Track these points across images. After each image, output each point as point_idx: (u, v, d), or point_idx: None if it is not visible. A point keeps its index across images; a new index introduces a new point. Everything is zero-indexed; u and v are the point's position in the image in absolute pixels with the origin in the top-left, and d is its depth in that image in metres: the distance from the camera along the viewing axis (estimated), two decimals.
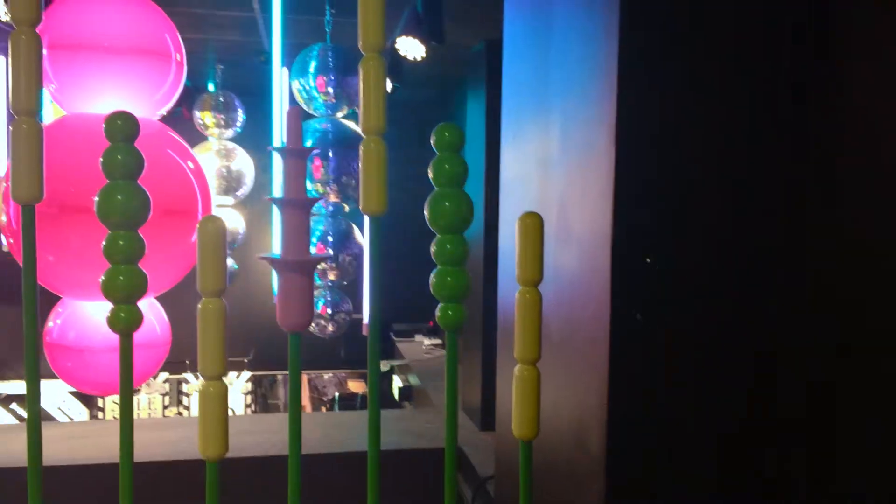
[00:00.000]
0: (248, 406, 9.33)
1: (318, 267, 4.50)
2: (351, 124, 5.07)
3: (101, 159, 1.51)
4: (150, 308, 3.13)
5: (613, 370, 1.41)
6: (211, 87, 7.96)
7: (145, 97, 3.02)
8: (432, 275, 1.39)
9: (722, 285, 1.50)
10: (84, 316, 3.02)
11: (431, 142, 1.39)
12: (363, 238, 5.17)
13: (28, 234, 1.46)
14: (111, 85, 2.91)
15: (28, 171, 1.41)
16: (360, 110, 1.51)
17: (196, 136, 7.48)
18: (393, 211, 1.53)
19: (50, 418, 8.03)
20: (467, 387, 3.90)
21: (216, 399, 1.37)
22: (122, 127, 1.48)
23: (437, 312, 1.39)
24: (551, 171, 1.65)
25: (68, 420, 8.05)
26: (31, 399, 1.46)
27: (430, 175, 1.34)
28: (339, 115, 5.10)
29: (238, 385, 9.28)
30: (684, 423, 1.50)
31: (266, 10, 5.07)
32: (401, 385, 7.08)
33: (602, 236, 1.42)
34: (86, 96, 2.92)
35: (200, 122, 7.40)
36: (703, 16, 1.47)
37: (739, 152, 1.49)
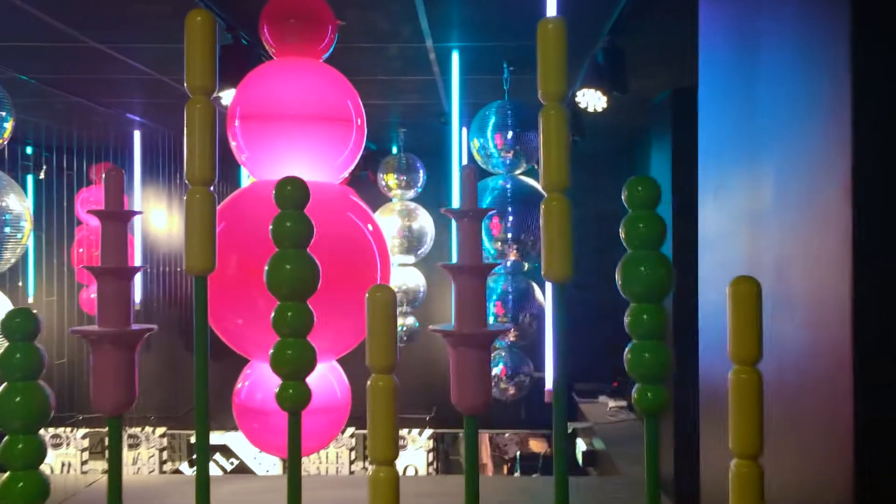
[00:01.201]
0: (429, 464, 9.32)
1: None
2: (530, 181, 4.99)
3: (271, 227, 1.48)
4: (331, 371, 3.15)
5: (861, 467, 1.15)
6: (394, 149, 8.24)
7: (328, 161, 3.08)
8: (627, 350, 1.21)
9: None
10: (271, 379, 3.08)
11: (623, 198, 1.23)
12: (543, 297, 5.02)
13: (200, 304, 1.44)
14: (297, 151, 3.00)
15: (201, 241, 1.40)
16: (542, 165, 1.39)
17: (381, 198, 7.73)
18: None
19: (247, 469, 8.42)
20: None
21: (387, 486, 1.27)
22: (292, 193, 1.44)
23: (634, 394, 1.20)
24: (764, 225, 1.43)
25: (265, 472, 8.40)
26: (201, 467, 1.43)
27: (623, 235, 1.18)
28: (518, 172, 5.04)
29: (420, 442, 9.31)
30: None
31: (445, 72, 5.15)
32: (584, 449, 6.78)
33: (837, 300, 1.18)
34: (273, 163, 3.03)
35: (384, 183, 7.64)
36: None
37: None
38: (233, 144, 3.05)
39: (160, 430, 9.83)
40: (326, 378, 3.12)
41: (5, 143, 4.21)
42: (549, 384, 4.31)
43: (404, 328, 7.57)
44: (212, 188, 1.39)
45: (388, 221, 7.48)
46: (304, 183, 1.44)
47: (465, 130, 5.67)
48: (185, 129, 1.35)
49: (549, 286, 1.36)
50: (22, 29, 4.50)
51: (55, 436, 9.45)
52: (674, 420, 3.33)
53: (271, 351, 1.42)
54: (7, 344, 1.36)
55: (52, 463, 9.21)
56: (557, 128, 1.32)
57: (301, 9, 3.08)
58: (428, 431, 9.35)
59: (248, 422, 3.07)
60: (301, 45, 3.08)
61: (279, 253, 1.42)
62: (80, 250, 8.25)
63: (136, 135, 8.04)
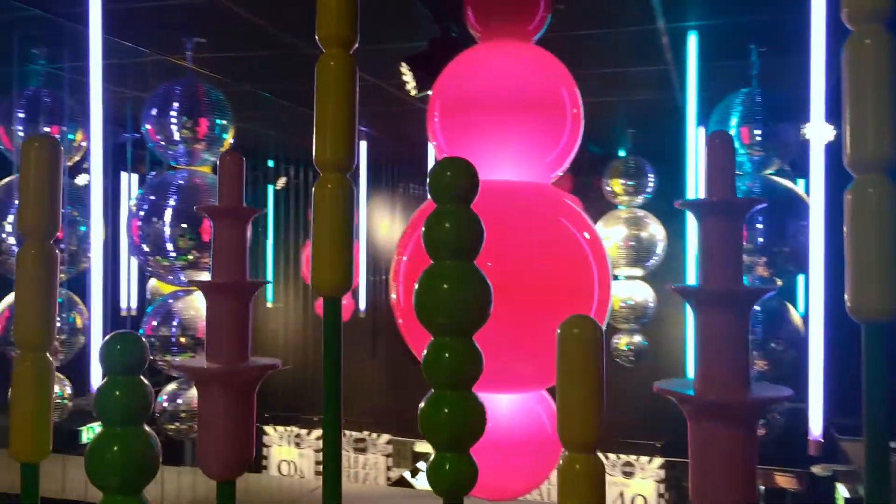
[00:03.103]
0: (660, 495, 8.58)
1: None
2: (784, 182, 4.22)
3: (424, 228, 1.07)
4: (538, 402, 2.70)
5: None
6: (621, 152, 7.64)
7: (538, 158, 2.65)
8: None
9: None
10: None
11: None
12: (799, 318, 4.22)
13: (331, 330, 1.07)
14: (502, 146, 2.60)
15: (332, 255, 1.02)
16: (850, 150, 0.86)
17: (606, 206, 7.18)
18: None
19: None
20: None
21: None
22: (453, 181, 1.01)
23: None
24: None
25: None
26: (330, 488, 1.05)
27: None
28: (768, 171, 4.29)
29: (649, 471, 8.60)
30: None
31: (680, 59, 4.53)
32: (847, 496, 5.81)
33: None
34: (476, 161, 2.65)
35: (609, 189, 7.08)
36: None
37: None
38: (433, 145, 2.72)
39: (385, 437, 9.97)
40: (534, 411, 2.68)
41: (228, 144, 4.25)
42: (813, 426, 3.54)
43: (630, 347, 6.94)
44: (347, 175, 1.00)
45: (614, 231, 6.92)
46: (471, 167, 1.02)
47: (702, 130, 5.00)
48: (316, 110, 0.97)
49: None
50: (248, 41, 4.55)
51: (297, 435, 9.89)
52: None
53: (422, 406, 1.01)
54: (107, 377, 1.07)
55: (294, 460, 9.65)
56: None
57: None
58: (659, 460, 8.62)
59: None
60: (508, 26, 2.69)
61: (434, 267, 1.01)
62: None
63: (363, 145, 8.14)
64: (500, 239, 2.57)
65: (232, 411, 1.01)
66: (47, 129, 4.20)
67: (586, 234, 2.64)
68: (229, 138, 4.15)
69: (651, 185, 7.04)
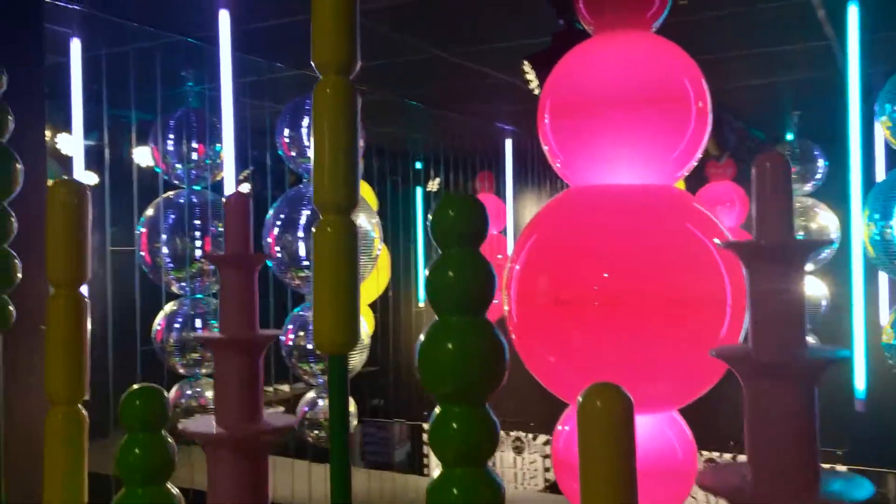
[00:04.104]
0: None
1: None
2: None
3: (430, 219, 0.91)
4: (670, 424, 2.47)
5: None
6: (788, 136, 7.03)
7: (660, 158, 2.42)
8: None
9: None
10: None
11: None
12: None
13: (337, 388, 0.96)
14: (619, 146, 2.40)
15: (334, 311, 0.89)
16: None
17: None
18: None
19: None
20: None
21: None
22: (456, 221, 0.83)
23: None
24: None
25: None
26: None
27: None
28: None
29: None
30: None
31: (841, 34, 4.06)
32: None
33: None
34: (593, 165, 2.47)
35: None
36: None
37: None
38: (545, 149, 2.57)
39: (543, 438, 9.79)
40: (663, 435, 2.46)
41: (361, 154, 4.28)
42: None
43: None
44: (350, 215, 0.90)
45: None
46: (479, 206, 0.88)
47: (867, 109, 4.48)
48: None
49: None
50: (379, 50, 4.57)
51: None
52: None
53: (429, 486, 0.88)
54: (127, 435, 1.03)
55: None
56: None
57: None
58: (842, 468, 7.90)
59: (567, 479, 2.55)
60: (623, 15, 2.48)
61: (439, 324, 0.87)
62: None
63: (508, 143, 8.04)
64: (619, 248, 2.37)
65: (244, 478, 0.94)
66: (195, 146, 4.42)
67: (717, 240, 2.39)
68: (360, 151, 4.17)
69: (820, 170, 6.42)
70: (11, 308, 1.38)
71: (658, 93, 2.38)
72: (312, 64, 0.88)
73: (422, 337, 0.85)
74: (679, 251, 2.36)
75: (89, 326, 1.06)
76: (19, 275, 1.39)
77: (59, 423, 1.05)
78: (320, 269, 0.85)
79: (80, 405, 1.07)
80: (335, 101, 0.85)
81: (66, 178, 1.07)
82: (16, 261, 1.42)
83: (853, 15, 3.69)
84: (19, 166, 1.40)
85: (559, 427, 2.66)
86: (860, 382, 4.54)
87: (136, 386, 0.98)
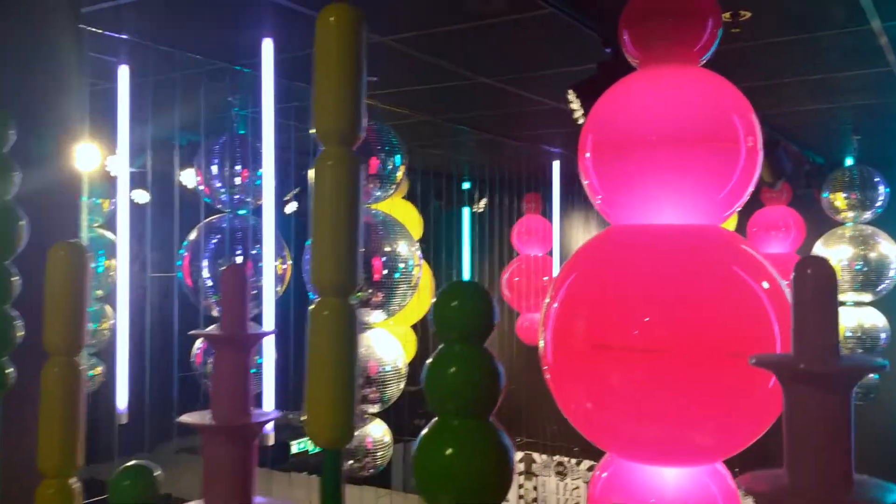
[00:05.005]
0: None
1: None
2: None
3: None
4: (712, 476, 2.35)
5: None
6: (847, 161, 6.79)
7: (707, 198, 2.32)
8: None
9: None
10: (632, 477, 2.41)
11: None
12: None
13: (331, 483, 0.87)
14: (665, 186, 2.30)
15: (325, 409, 0.82)
16: None
17: (828, 223, 6.40)
18: None
19: None
20: None
21: None
22: (456, 313, 0.77)
23: None
24: None
25: None
26: None
27: None
28: None
29: None
30: None
31: None
32: None
33: None
34: (635, 204, 2.37)
35: (830, 205, 6.30)
36: None
37: None
38: (585, 184, 2.48)
39: (586, 464, 9.59)
40: (706, 489, 2.34)
41: (400, 181, 4.25)
42: None
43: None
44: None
45: (838, 251, 6.15)
46: (484, 295, 0.80)
47: None
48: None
49: None
50: (427, 74, 4.54)
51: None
52: None
53: None
54: None
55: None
56: None
57: (667, 2, 2.38)
58: None
59: None
60: (670, 48, 2.38)
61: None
62: (516, 279, 8.42)
63: (555, 165, 7.94)
64: (662, 292, 2.26)
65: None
66: (238, 170, 4.44)
67: (765, 284, 2.27)
68: (400, 175, 4.15)
69: (882, 197, 6.18)
70: (11, 370, 1.36)
71: (706, 131, 2.28)
72: (313, 133, 0.82)
73: (424, 434, 0.78)
74: (726, 297, 2.24)
75: (84, 395, 1.02)
76: (20, 334, 1.37)
77: (50, 497, 1.01)
78: (315, 356, 0.79)
79: (72, 478, 1.02)
80: (336, 174, 0.79)
81: (65, 241, 1.04)
82: (16, 322, 1.41)
83: None
84: (23, 223, 1.39)
85: (597, 472, 2.55)
86: None
87: (125, 466, 0.93)
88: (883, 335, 6.14)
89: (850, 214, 6.23)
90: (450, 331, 0.74)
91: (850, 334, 6.20)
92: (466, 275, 9.31)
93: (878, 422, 6.95)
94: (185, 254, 4.31)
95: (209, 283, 4.25)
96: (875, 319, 6.17)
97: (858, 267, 6.00)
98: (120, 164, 4.10)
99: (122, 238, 4.09)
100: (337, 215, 0.78)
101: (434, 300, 0.77)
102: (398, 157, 4.14)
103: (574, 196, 8.16)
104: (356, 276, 0.81)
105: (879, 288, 6.02)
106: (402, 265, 4.00)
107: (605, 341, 2.28)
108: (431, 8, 3.44)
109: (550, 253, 8.18)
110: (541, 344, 2.46)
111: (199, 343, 4.32)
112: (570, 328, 2.36)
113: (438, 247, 7.96)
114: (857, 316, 6.18)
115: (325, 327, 0.79)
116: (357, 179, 0.82)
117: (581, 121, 3.45)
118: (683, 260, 2.29)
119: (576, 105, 3.41)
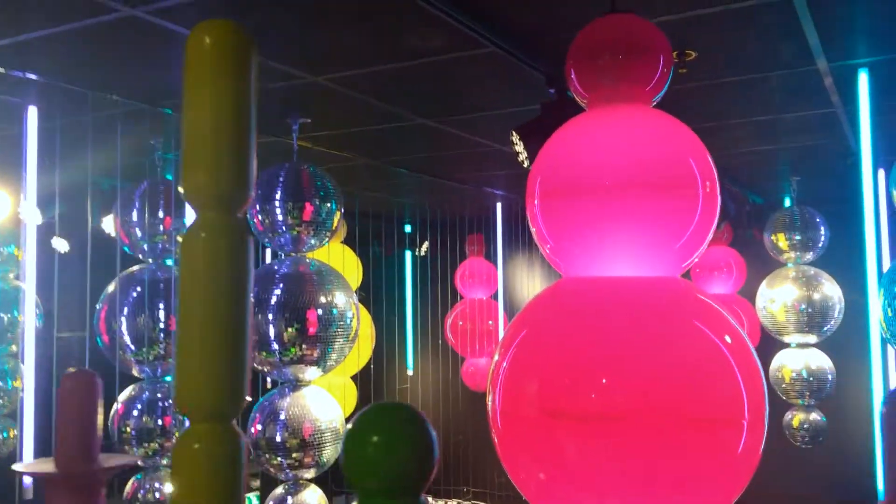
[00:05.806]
0: None
1: None
2: None
3: None
4: None
5: None
6: (786, 202, 6.82)
7: (664, 247, 2.14)
8: None
9: None
10: None
11: None
12: None
13: None
14: (619, 236, 2.12)
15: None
16: None
17: (771, 263, 6.38)
18: None
19: None
20: None
21: None
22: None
23: None
24: None
25: None
26: None
27: None
28: None
29: None
30: None
31: (849, 100, 3.84)
32: None
33: None
34: (586, 254, 2.19)
35: (773, 245, 6.28)
36: None
37: None
38: (533, 231, 2.29)
39: None
40: None
41: (337, 227, 4.02)
42: None
43: (806, 426, 6.04)
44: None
45: (782, 291, 6.11)
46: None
47: (881, 172, 4.28)
48: None
49: None
50: (366, 117, 4.34)
51: None
52: None
53: None
54: None
55: None
56: None
57: (617, 39, 2.23)
58: None
59: None
60: (620, 87, 2.22)
61: None
62: (460, 323, 8.20)
63: (499, 206, 7.81)
64: (620, 352, 2.07)
65: None
66: (161, 216, 4.14)
67: (728, 338, 2.10)
68: (336, 221, 3.91)
69: (823, 238, 6.18)
70: None
71: (661, 175, 2.11)
72: (181, 191, 0.60)
73: None
74: (688, 356, 2.06)
75: None
76: None
77: None
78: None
79: None
80: (209, 251, 0.56)
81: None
82: None
83: (863, 80, 3.47)
84: None
85: None
86: None
87: None
88: (829, 378, 6.09)
89: (793, 255, 6.21)
90: (368, 479, 0.51)
91: (794, 377, 6.14)
92: (409, 318, 9.07)
93: (826, 464, 6.89)
94: (102, 307, 3.98)
95: (127, 339, 3.92)
96: (821, 362, 6.13)
97: (803, 308, 5.96)
98: (29, 212, 3.78)
99: (30, 291, 3.75)
100: (212, 311, 0.55)
101: (347, 430, 0.55)
102: (334, 203, 3.91)
103: (518, 238, 8.04)
104: (240, 395, 0.58)
105: (825, 329, 5.99)
106: (338, 317, 3.74)
107: (559, 407, 2.06)
108: (368, 46, 3.25)
109: (495, 296, 8.01)
110: (489, 406, 2.24)
111: (116, 407, 3.96)
112: (521, 392, 2.14)
113: (379, 292, 7.70)
114: (803, 358, 6.13)
115: (194, 465, 0.55)
116: (244, 258, 0.59)
117: (526, 164, 3.29)
118: (641, 316, 2.10)
119: (519, 147, 3.24)
